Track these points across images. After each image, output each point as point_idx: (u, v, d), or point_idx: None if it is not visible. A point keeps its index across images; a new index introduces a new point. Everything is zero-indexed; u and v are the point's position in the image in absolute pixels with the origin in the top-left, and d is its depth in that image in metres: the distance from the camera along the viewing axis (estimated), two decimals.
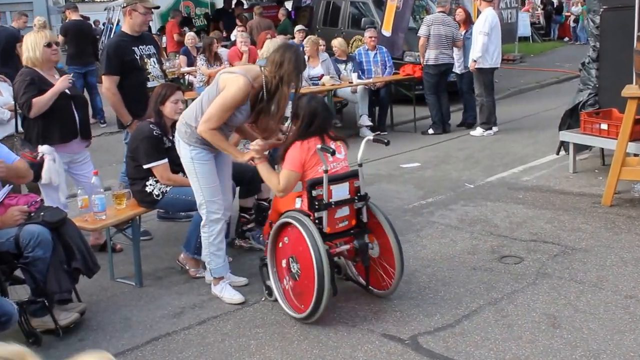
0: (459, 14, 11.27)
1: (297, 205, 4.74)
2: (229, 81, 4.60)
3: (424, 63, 11.06)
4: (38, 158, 5.40)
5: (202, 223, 5.00)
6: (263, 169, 4.82)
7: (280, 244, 4.77)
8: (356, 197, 4.71)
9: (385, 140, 5.06)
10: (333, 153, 4.63)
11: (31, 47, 5.57)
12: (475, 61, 10.39)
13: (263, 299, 5.06)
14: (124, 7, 6.59)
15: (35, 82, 5.53)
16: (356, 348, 4.26)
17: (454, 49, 11.04)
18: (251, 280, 5.44)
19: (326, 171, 4.52)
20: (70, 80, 5.65)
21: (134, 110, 6.22)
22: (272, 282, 4.87)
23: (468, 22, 11.21)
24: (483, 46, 10.26)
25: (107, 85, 6.18)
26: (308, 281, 4.46)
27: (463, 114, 11.51)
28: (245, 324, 4.67)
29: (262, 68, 4.73)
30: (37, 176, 5.51)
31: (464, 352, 4.16)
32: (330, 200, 4.56)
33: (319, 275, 4.34)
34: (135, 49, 6.23)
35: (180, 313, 4.95)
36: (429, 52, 10.94)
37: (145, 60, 6.28)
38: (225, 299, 5.05)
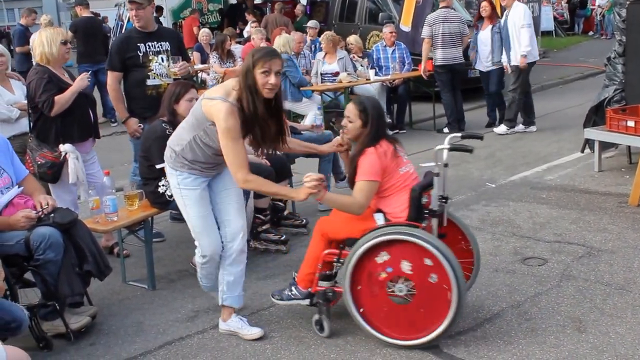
0: (485, 8, 10.87)
1: (380, 221, 4.31)
2: (214, 112, 4.09)
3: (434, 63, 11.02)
4: (61, 158, 5.47)
5: (197, 254, 4.62)
6: (331, 199, 4.28)
7: (368, 270, 4.25)
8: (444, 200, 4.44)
9: (481, 135, 4.76)
10: (471, 151, 4.48)
11: (47, 43, 5.60)
12: (524, 56, 10.11)
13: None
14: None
15: (53, 80, 5.59)
16: (374, 352, 4.25)
17: (479, 45, 10.92)
18: (267, 282, 5.45)
19: (438, 174, 4.30)
20: (88, 79, 5.78)
21: (133, 107, 6.38)
22: (354, 312, 4.29)
23: (494, 17, 10.82)
24: (531, 39, 10.12)
25: (108, 81, 6.39)
26: (434, 300, 4.13)
27: (489, 114, 11.36)
28: (260, 328, 4.67)
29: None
30: (57, 177, 5.56)
31: (486, 356, 4.15)
32: (431, 206, 4.35)
33: (459, 291, 4.03)
34: (142, 45, 6.24)
35: (194, 317, 4.96)
36: (435, 52, 10.91)
37: (150, 57, 6.26)
38: (245, 335, 4.59)
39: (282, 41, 10.10)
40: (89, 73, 5.96)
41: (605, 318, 4.52)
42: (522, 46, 10.06)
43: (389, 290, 4.19)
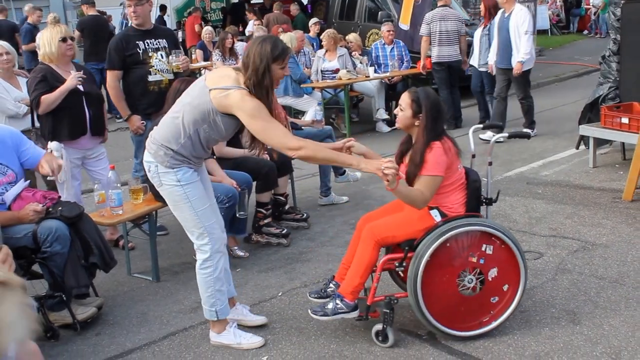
0: (481, 8, 10.64)
1: (437, 217, 4.18)
2: (232, 102, 3.87)
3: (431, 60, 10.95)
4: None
5: (203, 258, 4.23)
6: (402, 190, 3.97)
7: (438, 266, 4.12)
8: None
9: (532, 133, 4.81)
10: (529, 137, 4.50)
11: (47, 43, 5.64)
12: (522, 63, 9.43)
13: (280, 294, 5.07)
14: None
15: (47, 79, 5.61)
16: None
17: (473, 43, 10.74)
18: (268, 275, 5.46)
19: (490, 163, 4.36)
20: (80, 78, 5.68)
21: (136, 104, 6.34)
22: (427, 315, 4.13)
23: (488, 17, 10.45)
24: (531, 47, 9.55)
25: (108, 80, 6.30)
26: (481, 307, 4.21)
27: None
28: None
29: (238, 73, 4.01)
30: None
31: (482, 347, 4.15)
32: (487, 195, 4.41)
33: (525, 271, 4.19)
34: (140, 42, 6.24)
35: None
36: (432, 50, 10.85)
37: (150, 54, 6.26)
38: (244, 345, 4.34)
39: (286, 39, 10.10)
40: (81, 72, 5.88)
41: (599, 310, 4.53)
42: (521, 53, 9.45)
43: (463, 271, 4.15)
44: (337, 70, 10.66)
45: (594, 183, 7.41)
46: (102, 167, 6.00)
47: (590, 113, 8.43)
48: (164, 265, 5.77)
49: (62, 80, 5.64)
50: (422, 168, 4.07)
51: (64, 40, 5.67)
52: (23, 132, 5.84)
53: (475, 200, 4.34)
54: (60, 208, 4.57)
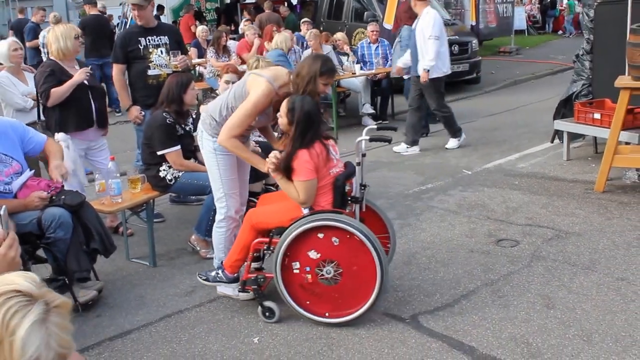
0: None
1: (305, 211, 4.23)
2: (254, 85, 4.31)
3: None
4: None
5: (219, 218, 4.69)
6: (282, 182, 4.24)
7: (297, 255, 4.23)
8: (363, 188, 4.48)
9: (395, 127, 4.94)
10: (390, 141, 4.54)
11: (62, 38, 5.63)
12: (427, 71, 8.52)
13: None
14: None
15: (55, 73, 5.61)
16: (359, 326, 4.26)
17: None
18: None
19: (359, 163, 4.32)
20: (88, 73, 5.72)
21: (137, 96, 6.49)
22: (288, 299, 4.30)
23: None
24: (436, 53, 8.50)
25: (113, 73, 6.51)
26: (359, 278, 4.15)
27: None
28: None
29: (291, 76, 4.42)
30: None
31: (462, 330, 4.17)
32: (353, 194, 4.38)
33: (382, 265, 4.07)
34: (142, 39, 6.38)
35: (191, 292, 4.96)
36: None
37: (150, 50, 6.39)
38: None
39: (281, 39, 10.02)
40: (89, 67, 5.91)
41: (572, 296, 4.55)
42: (425, 59, 8.53)
43: (322, 279, 4.19)
44: None
45: (567, 175, 7.43)
46: (104, 157, 5.99)
47: (565, 109, 8.46)
48: (161, 251, 5.75)
49: (69, 75, 5.66)
50: (292, 174, 4.16)
51: (76, 37, 5.71)
52: (31, 124, 5.85)
53: (340, 197, 4.26)
54: (63, 196, 4.56)
